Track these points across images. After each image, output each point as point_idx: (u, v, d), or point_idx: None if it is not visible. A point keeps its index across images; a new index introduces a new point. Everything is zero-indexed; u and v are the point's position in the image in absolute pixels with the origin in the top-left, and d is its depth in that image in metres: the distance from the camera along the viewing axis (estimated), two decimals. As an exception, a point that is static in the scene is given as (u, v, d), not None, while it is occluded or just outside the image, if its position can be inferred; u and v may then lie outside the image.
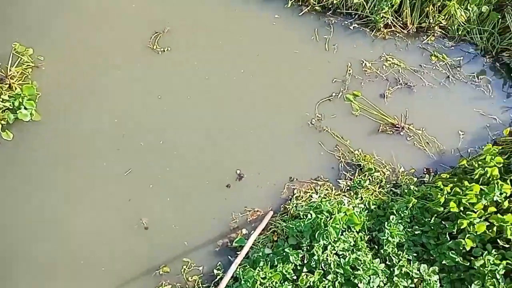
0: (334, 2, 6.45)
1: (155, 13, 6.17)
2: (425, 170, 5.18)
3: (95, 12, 6.08)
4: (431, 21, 6.35)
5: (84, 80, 5.56)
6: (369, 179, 5.05)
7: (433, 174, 5.09)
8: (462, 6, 6.28)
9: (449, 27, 6.38)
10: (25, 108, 4.98)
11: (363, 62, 6.05)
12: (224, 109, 5.55)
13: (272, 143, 5.38)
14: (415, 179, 5.03)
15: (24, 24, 5.84)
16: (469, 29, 6.33)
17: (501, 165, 4.56)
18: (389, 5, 6.24)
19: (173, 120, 5.43)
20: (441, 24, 6.37)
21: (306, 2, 6.55)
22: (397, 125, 5.49)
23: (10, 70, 5.24)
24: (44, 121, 5.21)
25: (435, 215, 4.45)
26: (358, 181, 5.05)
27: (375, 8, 6.35)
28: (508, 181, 4.43)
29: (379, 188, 5.01)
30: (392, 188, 5.01)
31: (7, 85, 5.13)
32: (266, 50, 6.05)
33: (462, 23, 6.28)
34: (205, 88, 5.67)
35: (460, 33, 6.32)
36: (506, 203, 4.22)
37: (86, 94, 5.48)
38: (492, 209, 4.20)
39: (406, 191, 4.86)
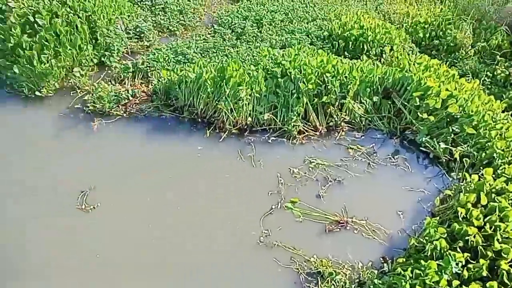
0: (248, 123, 6.93)
1: (78, 172, 6.02)
2: (381, 259, 5.20)
3: (19, 179, 5.75)
4: (336, 119, 7.05)
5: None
6: (333, 285, 4.90)
7: (390, 261, 5.12)
8: (357, 101, 7.14)
9: (353, 121, 7.11)
10: None
11: (290, 169, 6.34)
12: (169, 255, 5.23)
13: (226, 278, 5.07)
14: (376, 271, 5.00)
15: None
16: (370, 118, 7.12)
17: (445, 234, 4.77)
18: (296, 115, 6.87)
19: (115, 277, 4.93)
20: (345, 120, 7.09)
21: (223, 128, 6.95)
22: (341, 221, 5.60)
23: None
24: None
25: (407, 304, 4.36)
26: (323, 290, 4.86)
27: (285, 120, 6.93)
28: (458, 249, 4.60)
29: (345, 291, 4.86)
30: (357, 288, 4.89)
31: None
32: (198, 182, 6.08)
33: (362, 115, 7.06)
34: (147, 233, 5.38)
35: (364, 123, 7.07)
36: (465, 273, 4.31)
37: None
38: (456, 282, 4.25)
39: (371, 287, 4.76)
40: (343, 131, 7.01)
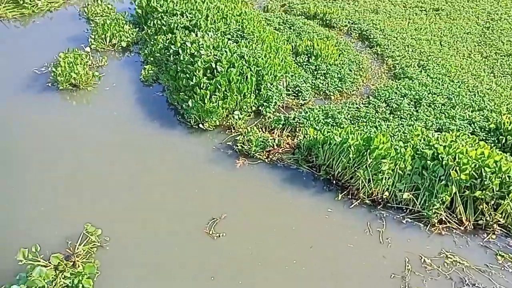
0: (384, 196, 6.65)
1: (213, 200, 6.60)
2: None
3: (160, 198, 6.62)
4: (487, 218, 6.23)
5: (144, 260, 5.61)
6: None
7: None
8: (519, 205, 6.21)
9: (509, 226, 6.17)
10: (83, 287, 4.96)
11: (421, 257, 5.76)
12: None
13: None
14: None
15: (95, 209, 6.40)
16: (532, 228, 6.08)
17: None
18: (440, 202, 6.31)
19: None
20: (499, 223, 6.20)
21: (356, 195, 6.80)
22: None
23: (77, 248, 5.49)
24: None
25: None
26: None
27: (426, 204, 6.43)
28: None
29: None
30: None
31: (72, 263, 5.29)
32: (320, 242, 6.01)
33: (523, 222, 6.08)
34: (259, 275, 5.49)
35: (523, 232, 6.07)
36: None
37: (145, 274, 5.45)
38: None
39: None
40: (494, 233, 6.12)
